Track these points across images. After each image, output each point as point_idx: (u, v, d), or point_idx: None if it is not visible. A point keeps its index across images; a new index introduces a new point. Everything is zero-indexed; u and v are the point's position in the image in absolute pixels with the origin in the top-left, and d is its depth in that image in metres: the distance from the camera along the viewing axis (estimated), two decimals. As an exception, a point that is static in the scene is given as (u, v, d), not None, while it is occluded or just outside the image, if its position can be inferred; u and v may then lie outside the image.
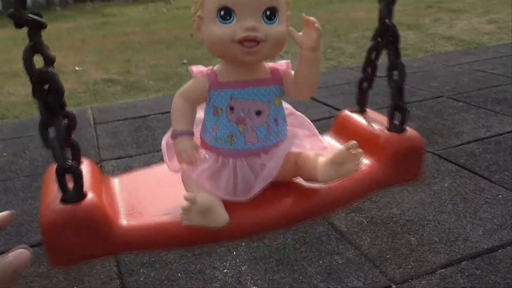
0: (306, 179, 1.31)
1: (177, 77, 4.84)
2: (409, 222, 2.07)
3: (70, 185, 1.13)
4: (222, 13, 1.15)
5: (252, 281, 1.76)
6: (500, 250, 1.86)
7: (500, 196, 2.25)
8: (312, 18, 1.17)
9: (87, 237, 1.13)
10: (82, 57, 6.08)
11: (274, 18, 1.18)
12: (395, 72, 1.49)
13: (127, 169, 2.76)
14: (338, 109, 3.22)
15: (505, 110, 3.37)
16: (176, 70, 5.11)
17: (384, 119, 1.55)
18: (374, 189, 1.43)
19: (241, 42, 1.15)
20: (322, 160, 1.21)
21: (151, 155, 2.92)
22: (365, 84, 1.66)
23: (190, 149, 1.24)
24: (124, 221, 1.21)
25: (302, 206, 1.28)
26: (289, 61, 1.32)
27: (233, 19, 1.16)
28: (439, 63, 4.82)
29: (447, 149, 2.77)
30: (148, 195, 1.36)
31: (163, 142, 1.34)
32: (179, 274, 1.80)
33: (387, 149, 1.45)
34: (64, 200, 1.13)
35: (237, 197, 1.24)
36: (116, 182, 1.43)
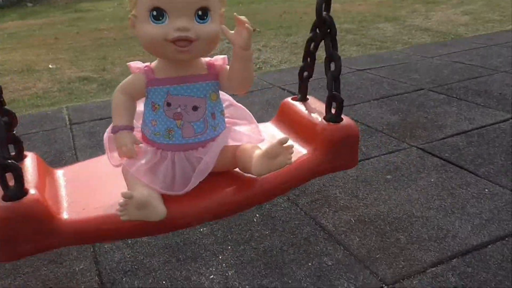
0: (242, 171, 1.36)
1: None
2: (397, 219, 2.04)
3: (12, 182, 1.17)
4: (154, 13, 1.19)
5: (240, 287, 1.70)
6: (490, 246, 1.84)
7: (486, 190, 2.23)
8: (243, 18, 1.20)
9: (30, 232, 1.17)
10: (55, 54, 5.92)
11: (206, 17, 1.22)
12: (332, 64, 1.55)
13: (106, 171, 2.67)
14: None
15: (486, 102, 3.37)
16: (153, 66, 4.99)
17: (323, 107, 1.60)
18: (310, 176, 1.49)
19: (174, 41, 1.19)
20: (257, 153, 1.27)
21: (130, 156, 2.84)
22: (305, 73, 1.70)
23: (130, 143, 1.29)
24: (66, 216, 1.25)
25: (239, 195, 1.33)
26: (225, 56, 1.36)
27: (165, 19, 1.19)
28: (418, 55, 4.81)
29: (431, 143, 2.75)
30: (92, 188, 1.41)
31: (105, 136, 1.38)
32: (163, 282, 1.73)
33: (323, 137, 1.51)
34: (5, 198, 1.17)
35: (175, 190, 1.29)
36: (61, 175, 1.48)
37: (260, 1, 9.63)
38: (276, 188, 1.38)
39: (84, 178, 1.48)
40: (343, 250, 1.86)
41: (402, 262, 1.78)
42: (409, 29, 6.14)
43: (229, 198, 1.32)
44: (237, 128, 1.43)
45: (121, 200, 1.17)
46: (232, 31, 1.24)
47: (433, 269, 1.74)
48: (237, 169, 1.39)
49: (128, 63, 1.36)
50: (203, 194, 1.29)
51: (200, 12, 1.21)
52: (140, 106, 1.38)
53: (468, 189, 2.25)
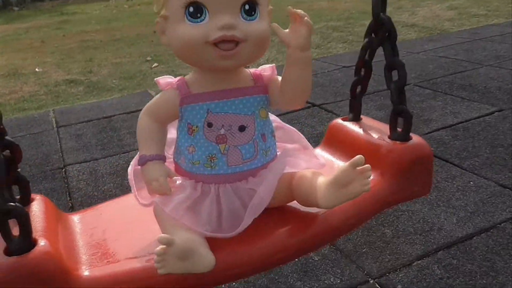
0: (303, 204, 1.10)
1: (141, 75, 4.71)
2: (383, 214, 2.05)
3: (16, 231, 0.93)
4: (191, 9, 0.96)
5: (227, 284, 1.70)
6: (474, 238, 1.86)
7: (471, 183, 2.25)
8: (300, 11, 0.98)
9: None
10: (42, 57, 5.88)
11: (254, 13, 0.99)
12: (394, 72, 1.32)
13: (93, 173, 2.66)
14: (311, 103, 3.19)
15: (471, 95, 3.40)
16: (140, 68, 4.98)
17: (383, 126, 1.36)
18: (380, 208, 1.23)
19: (216, 44, 0.96)
20: (321, 180, 1.01)
21: (117, 157, 2.83)
22: (358, 88, 1.45)
23: (162, 176, 1.05)
24: (86, 271, 1.00)
25: (301, 236, 1.08)
26: (273, 65, 1.13)
27: (205, 17, 0.97)
28: (404, 50, 4.83)
29: (417, 138, 2.77)
30: (115, 235, 1.15)
31: (130, 170, 1.14)
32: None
33: (391, 160, 1.25)
34: (8, 251, 0.93)
35: (223, 232, 1.03)
36: (76, 221, 1.22)
37: None
38: (344, 224, 1.13)
39: (106, 223, 1.21)
40: (330, 246, 1.87)
41: (388, 256, 1.79)
42: (395, 25, 6.12)
43: (289, 241, 1.07)
44: (291, 152, 1.18)
45: (158, 248, 0.92)
46: (286, 30, 1.01)
47: (418, 262, 1.76)
48: (292, 204, 1.13)
49: (155, 79, 1.12)
50: (256, 237, 1.04)
51: (247, 6, 0.98)
52: (171, 132, 1.14)
53: (454, 182, 2.27)
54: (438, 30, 5.77)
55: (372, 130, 1.37)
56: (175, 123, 1.11)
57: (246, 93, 1.07)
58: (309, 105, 3.39)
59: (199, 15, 0.96)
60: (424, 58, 4.51)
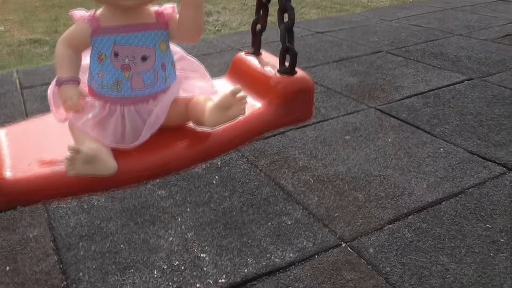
0: (195, 124, 1.31)
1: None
2: (355, 179, 2.07)
3: None
4: None
5: (199, 248, 1.69)
6: (444, 203, 1.90)
7: (441, 149, 2.28)
8: None
9: None
10: (3, 15, 5.61)
11: None
12: (285, 15, 1.50)
13: (60, 135, 2.58)
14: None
15: (442, 64, 3.43)
16: (108, 28, 4.82)
17: (277, 61, 1.56)
18: (265, 130, 1.46)
19: None
20: (209, 105, 1.23)
21: (85, 120, 2.75)
22: (258, 26, 1.66)
23: (76, 96, 1.21)
24: (9, 174, 1.18)
25: (192, 149, 1.29)
26: (174, 4, 1.29)
27: None
28: (377, 18, 4.82)
29: (389, 104, 2.79)
30: (36, 145, 1.33)
31: (49, 91, 1.29)
32: (121, 246, 1.71)
33: (278, 91, 1.48)
34: None
35: (126, 144, 1.23)
36: (3, 135, 1.40)
37: (219, -37, 9.39)
38: (230, 142, 1.36)
39: (29, 136, 1.40)
40: (302, 210, 1.87)
41: (360, 220, 1.81)
42: (369, -8, 6.12)
43: (182, 152, 1.29)
44: (189, 80, 1.39)
45: (68, 154, 1.11)
46: None
47: (389, 226, 1.78)
48: (190, 123, 1.35)
49: (70, 12, 1.27)
50: (155, 149, 1.26)
51: None
52: (86, 59, 1.30)
53: (424, 148, 2.30)
54: (411, -2, 5.76)
55: (267, 64, 1.61)
56: (87, 49, 1.27)
57: (149, 28, 1.25)
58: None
59: None
60: (397, 26, 4.50)
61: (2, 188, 1.14)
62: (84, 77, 1.31)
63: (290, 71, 1.50)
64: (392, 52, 3.73)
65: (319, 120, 2.59)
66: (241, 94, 1.20)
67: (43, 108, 2.93)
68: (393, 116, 2.62)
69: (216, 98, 1.24)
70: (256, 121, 1.41)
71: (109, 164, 1.16)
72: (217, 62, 3.51)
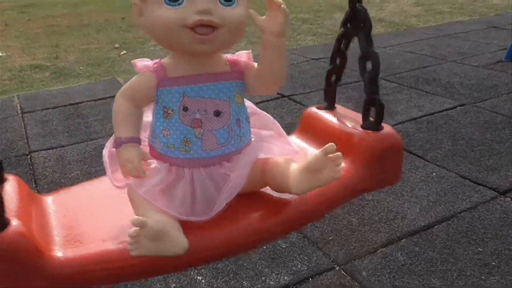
0: (275, 190, 1.11)
1: (109, 62, 4.65)
2: (349, 203, 2.10)
3: None
4: None
5: (195, 271, 1.72)
6: (436, 226, 1.94)
7: (434, 173, 2.33)
8: None
9: (13, 273, 0.92)
10: (5, 41, 5.72)
11: None
12: (368, 63, 1.33)
13: (60, 160, 2.62)
14: (280, 94, 3.22)
15: (435, 90, 3.50)
16: (108, 54, 4.90)
17: (356, 115, 1.38)
18: (351, 196, 1.26)
19: (193, 28, 0.97)
20: (294, 167, 1.04)
21: (84, 144, 2.80)
22: (333, 77, 1.48)
23: (137, 159, 1.04)
24: (59, 252, 0.99)
25: (272, 221, 1.09)
26: (249, 51, 1.14)
27: (183, 1, 0.96)
28: (372, 45, 4.92)
29: (383, 130, 2.84)
30: (89, 217, 1.15)
31: (105, 152, 1.14)
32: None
33: (363, 149, 1.27)
34: None
35: (196, 215, 1.04)
36: (49, 202, 1.21)
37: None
38: (314, 211, 1.15)
39: (79, 204, 1.21)
40: (297, 233, 1.91)
41: (354, 244, 1.85)
42: (364, 20, 6.25)
43: (261, 225, 1.08)
44: (265, 138, 1.20)
45: (131, 229, 0.92)
46: (263, 17, 1.02)
47: (383, 249, 1.82)
48: (265, 189, 1.15)
49: (133, 61, 1.11)
50: (229, 221, 1.05)
51: None
52: (147, 115, 1.14)
53: (417, 172, 2.35)
54: (405, 25, 5.89)
55: (345, 118, 1.39)
56: (151, 106, 1.11)
57: (222, 78, 1.08)
58: (278, 95, 3.43)
59: None
60: (391, 52, 4.60)
61: (49, 268, 0.95)
62: (144, 135, 1.14)
63: (376, 127, 1.30)
64: (386, 78, 3.81)
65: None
66: (335, 153, 0.99)
67: (43, 132, 2.99)
68: (387, 141, 2.68)
69: (302, 159, 1.06)
70: (341, 186, 1.16)
71: (180, 242, 0.97)
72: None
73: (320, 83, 3.74)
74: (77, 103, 3.50)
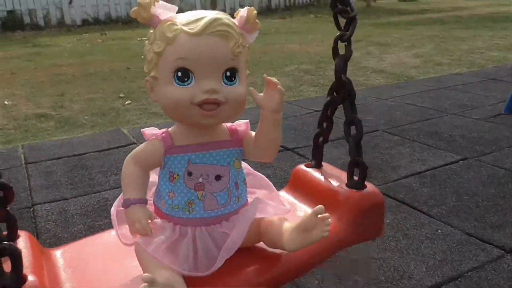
0: (270, 246, 1.23)
1: (114, 112, 4.70)
2: (354, 261, 2.08)
3: (7, 267, 1.00)
4: (179, 74, 1.09)
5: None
6: (443, 287, 1.91)
7: (439, 231, 2.32)
8: (273, 79, 1.14)
9: None
10: (11, 90, 5.80)
11: (234, 79, 1.13)
12: (352, 128, 1.48)
13: (62, 213, 2.62)
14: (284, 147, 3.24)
15: (437, 143, 3.53)
16: (113, 104, 4.97)
17: (342, 174, 1.50)
18: (337, 250, 1.37)
19: (200, 104, 1.09)
20: (287, 226, 1.16)
21: (88, 197, 2.79)
22: (320, 139, 1.62)
23: (144, 219, 1.16)
24: None
25: (267, 274, 1.20)
26: (247, 121, 1.27)
27: (191, 81, 1.09)
28: (373, 96, 5.00)
29: (386, 184, 2.85)
30: (97, 271, 1.23)
31: (113, 210, 1.25)
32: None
33: (348, 206, 1.39)
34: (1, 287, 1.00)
35: (198, 270, 1.14)
36: (58, 256, 1.30)
37: (220, 40, 9.76)
38: (305, 265, 1.27)
39: (86, 259, 1.30)
40: (303, 294, 1.88)
41: (360, 305, 1.82)
42: (364, 71, 6.37)
43: (256, 278, 1.18)
44: (261, 199, 1.31)
45: (142, 285, 1.01)
46: (261, 93, 1.16)
47: (390, 311, 1.79)
48: (260, 244, 1.26)
49: (142, 130, 1.24)
50: (227, 275, 1.16)
51: (228, 73, 1.12)
52: (151, 176, 1.26)
53: (422, 229, 2.33)
54: (405, 77, 5.98)
55: (332, 177, 1.54)
56: (156, 169, 1.24)
57: (223, 146, 1.21)
58: (282, 149, 3.45)
59: (186, 79, 1.09)
60: (392, 104, 4.66)
61: None
62: (148, 195, 1.26)
63: (360, 186, 1.44)
64: (388, 131, 3.85)
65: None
66: (324, 214, 1.12)
67: (47, 184, 3.00)
68: (391, 197, 2.68)
69: (295, 218, 1.18)
70: (329, 241, 1.27)
71: None
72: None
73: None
74: (81, 154, 3.52)
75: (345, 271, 2.02)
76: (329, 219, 1.12)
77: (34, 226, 2.50)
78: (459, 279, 1.96)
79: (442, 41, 8.60)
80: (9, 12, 12.61)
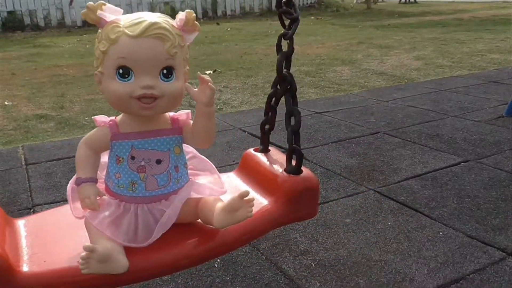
0: (204, 223, 1.38)
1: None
2: (356, 264, 2.08)
3: None
4: (121, 71, 1.23)
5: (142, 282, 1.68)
6: (445, 290, 1.90)
7: (441, 233, 2.31)
8: (206, 77, 1.27)
9: None
10: (11, 90, 5.80)
11: (170, 76, 1.27)
12: (292, 118, 1.61)
13: (63, 214, 2.60)
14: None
15: (438, 145, 3.52)
16: (113, 105, 4.95)
17: (285, 159, 1.65)
18: (271, 228, 1.53)
19: (138, 98, 1.23)
20: (218, 206, 1.30)
21: (88, 198, 2.78)
22: (267, 127, 1.77)
23: (93, 195, 1.31)
24: (26, 268, 1.25)
25: (201, 247, 1.35)
26: (189, 111, 1.41)
27: (131, 77, 1.23)
28: (374, 98, 4.99)
29: (388, 186, 2.84)
30: (54, 239, 1.40)
31: (68, 187, 1.39)
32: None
33: (284, 190, 1.55)
34: None
35: (138, 242, 1.30)
36: (21, 225, 1.47)
37: (221, 42, 9.79)
38: (237, 240, 1.41)
39: (46, 229, 1.47)
40: (304, 296, 1.87)
41: (362, 307, 1.81)
42: (365, 73, 6.36)
43: (191, 251, 1.35)
44: (199, 180, 1.47)
45: (83, 253, 1.18)
46: (196, 89, 1.30)
47: (391, 314, 1.78)
48: (199, 221, 1.41)
49: (93, 117, 1.39)
50: (165, 247, 1.31)
51: (165, 71, 1.26)
52: (105, 157, 1.40)
53: (424, 232, 2.33)
54: (406, 79, 5.98)
55: (275, 162, 1.70)
56: (106, 151, 1.39)
57: (164, 134, 1.36)
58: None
59: (126, 76, 1.24)
60: (393, 106, 4.66)
61: (16, 281, 1.19)
62: (101, 174, 1.42)
63: (296, 171, 1.58)
64: (389, 133, 3.84)
65: (320, 202, 2.62)
66: (249, 197, 1.28)
67: (47, 185, 2.99)
68: (392, 199, 2.67)
69: (224, 201, 1.32)
70: (262, 219, 1.47)
71: (122, 263, 1.23)
72: (219, 142, 3.60)
73: (324, 138, 3.79)
74: (81, 155, 3.50)
75: (346, 273, 2.01)
76: (253, 201, 1.28)
77: (34, 227, 2.48)
78: (461, 281, 1.95)
79: (443, 44, 8.60)
80: (10, 12, 12.62)
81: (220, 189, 1.44)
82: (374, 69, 6.61)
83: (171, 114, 1.40)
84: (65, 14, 13.12)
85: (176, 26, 1.28)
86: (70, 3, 13.03)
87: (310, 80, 5.98)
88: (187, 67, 1.35)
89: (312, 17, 14.22)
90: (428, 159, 3.25)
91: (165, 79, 1.26)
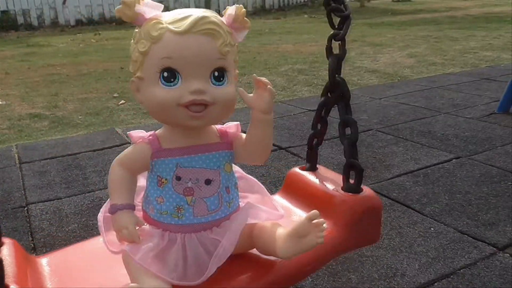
0: (262, 253, 1.18)
1: (108, 111, 4.70)
2: (348, 259, 2.10)
3: None
4: (165, 74, 1.04)
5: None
6: (436, 284, 1.93)
7: (432, 229, 2.33)
8: (263, 79, 1.09)
9: None
10: (5, 90, 5.79)
11: (222, 79, 1.08)
12: (347, 129, 1.41)
13: (57, 212, 2.61)
14: (277, 146, 3.25)
15: (430, 142, 3.55)
16: (107, 104, 4.96)
17: (337, 177, 1.45)
18: (334, 256, 1.33)
19: (187, 106, 1.04)
20: (280, 232, 1.11)
21: (82, 197, 2.79)
22: (315, 141, 1.56)
23: (132, 225, 1.10)
24: None
25: (259, 282, 1.14)
26: (238, 123, 1.22)
27: (178, 81, 1.04)
28: (367, 96, 5.02)
29: (380, 183, 2.86)
30: (84, 281, 1.18)
31: (100, 216, 1.20)
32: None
33: (344, 211, 1.33)
34: None
35: (188, 279, 1.09)
36: (44, 264, 1.26)
37: (215, 40, 9.76)
38: (299, 272, 1.21)
39: (73, 267, 1.25)
40: (297, 291, 1.89)
41: (354, 302, 1.83)
42: (358, 70, 6.39)
43: (250, 286, 1.14)
44: (253, 204, 1.26)
45: None
46: (251, 94, 1.11)
47: (383, 308, 1.80)
48: (253, 250, 1.20)
49: (128, 132, 1.20)
50: (218, 284, 1.10)
51: (216, 73, 1.07)
52: (140, 180, 1.21)
53: (415, 228, 2.35)
54: (398, 76, 6.01)
55: (327, 180, 1.47)
56: (145, 172, 1.19)
57: (213, 149, 1.16)
58: (275, 148, 3.46)
59: (172, 79, 1.05)
60: (386, 104, 4.68)
61: None
62: (137, 200, 1.21)
63: (356, 189, 1.37)
64: (382, 130, 3.87)
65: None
66: (318, 220, 1.06)
67: (41, 183, 2.99)
68: (384, 195, 2.69)
69: (288, 224, 1.12)
70: (324, 246, 1.17)
71: None
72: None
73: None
74: (75, 154, 3.52)
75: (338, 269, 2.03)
76: (324, 225, 1.06)
77: (28, 225, 2.50)
78: (452, 276, 1.98)
79: (436, 41, 8.65)
80: (3, 12, 12.56)
81: (277, 212, 1.24)
82: (367, 66, 6.63)
83: (218, 126, 1.20)
84: (58, 13, 13.08)
85: (225, 23, 1.10)
86: (64, 2, 12.99)
87: (303, 78, 6.00)
88: (237, 70, 1.16)
89: (306, 16, 14.24)
90: (420, 156, 3.28)
91: (217, 83, 1.07)
